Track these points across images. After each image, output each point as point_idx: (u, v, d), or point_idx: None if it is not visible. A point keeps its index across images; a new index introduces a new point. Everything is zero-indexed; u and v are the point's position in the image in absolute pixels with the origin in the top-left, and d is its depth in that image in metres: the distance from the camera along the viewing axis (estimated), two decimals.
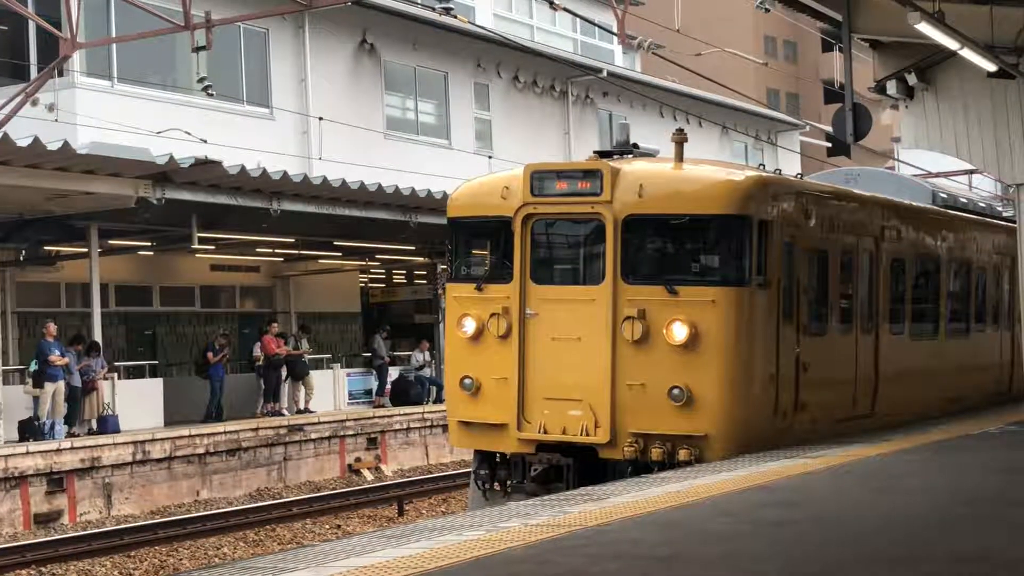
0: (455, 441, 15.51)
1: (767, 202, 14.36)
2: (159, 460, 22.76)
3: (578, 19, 39.79)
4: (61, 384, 22.93)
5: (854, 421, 16.20)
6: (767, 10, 22.80)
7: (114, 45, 27.05)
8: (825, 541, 8.70)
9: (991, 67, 16.64)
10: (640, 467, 13.53)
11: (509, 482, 14.51)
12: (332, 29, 32.52)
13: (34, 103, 23.70)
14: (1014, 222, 21.42)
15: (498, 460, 14.71)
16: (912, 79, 18.51)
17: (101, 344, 24.33)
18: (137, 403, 24.59)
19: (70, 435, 22.77)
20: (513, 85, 38.23)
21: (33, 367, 23.02)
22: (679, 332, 13.55)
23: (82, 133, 24.90)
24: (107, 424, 23.67)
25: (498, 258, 14.77)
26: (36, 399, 22.72)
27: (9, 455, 20.38)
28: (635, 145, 15.66)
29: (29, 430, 22.31)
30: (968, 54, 16.01)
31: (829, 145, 54.49)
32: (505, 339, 14.26)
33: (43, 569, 17.07)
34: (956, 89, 18.59)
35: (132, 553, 18.22)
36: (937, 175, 34.63)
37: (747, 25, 71.32)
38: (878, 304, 17.06)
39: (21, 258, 25.81)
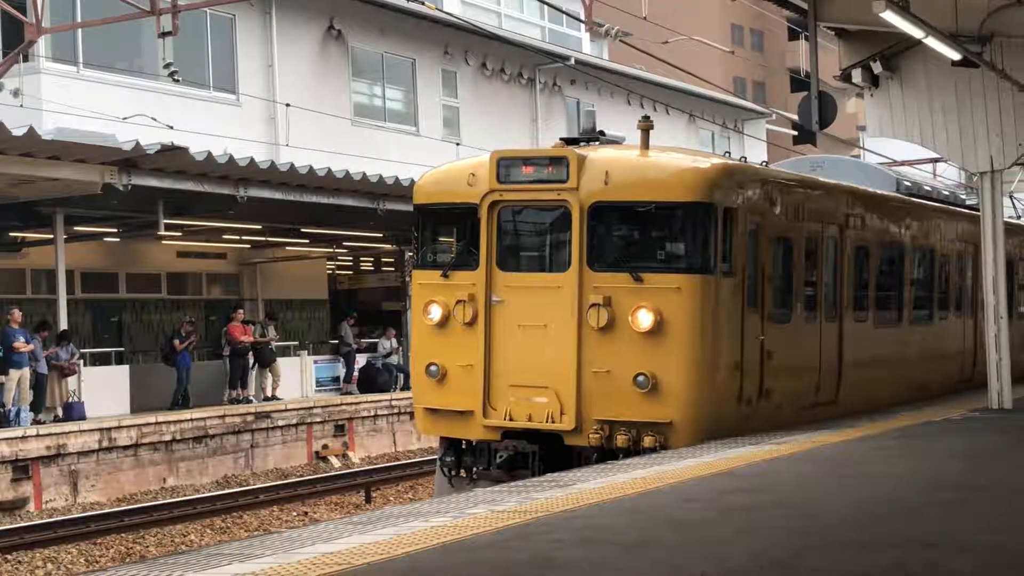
0: (421, 428, 15.49)
1: (732, 190, 14.36)
2: (125, 447, 22.66)
3: (546, 6, 39.75)
4: (27, 371, 22.79)
5: (818, 408, 16.22)
6: None
7: (80, 30, 26.87)
8: (791, 527, 8.74)
9: (955, 56, 16.70)
10: (605, 454, 13.56)
11: (475, 469, 14.54)
12: (299, 15, 32.39)
13: (0, 88, 23.53)
14: (977, 210, 21.50)
15: (464, 447, 14.72)
16: (877, 68, 18.57)
17: (69, 332, 24.22)
18: (103, 390, 24.48)
19: (36, 422, 22.63)
20: (481, 72, 38.18)
21: None
22: (644, 319, 13.56)
23: (47, 118, 24.73)
24: (73, 411, 23.54)
25: (464, 245, 14.75)
26: (1, 386, 22.58)
27: None
28: (601, 132, 15.61)
29: None
30: (933, 43, 16.06)
31: (795, 133, 54.65)
32: (471, 326, 14.25)
33: (8, 556, 16.98)
34: (921, 78, 18.65)
35: (98, 540, 18.15)
36: (902, 163, 34.78)
37: (714, 14, 71.43)
38: (842, 292, 17.11)
39: None
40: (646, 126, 14.71)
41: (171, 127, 24.73)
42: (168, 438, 23.30)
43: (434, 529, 8.68)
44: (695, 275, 13.76)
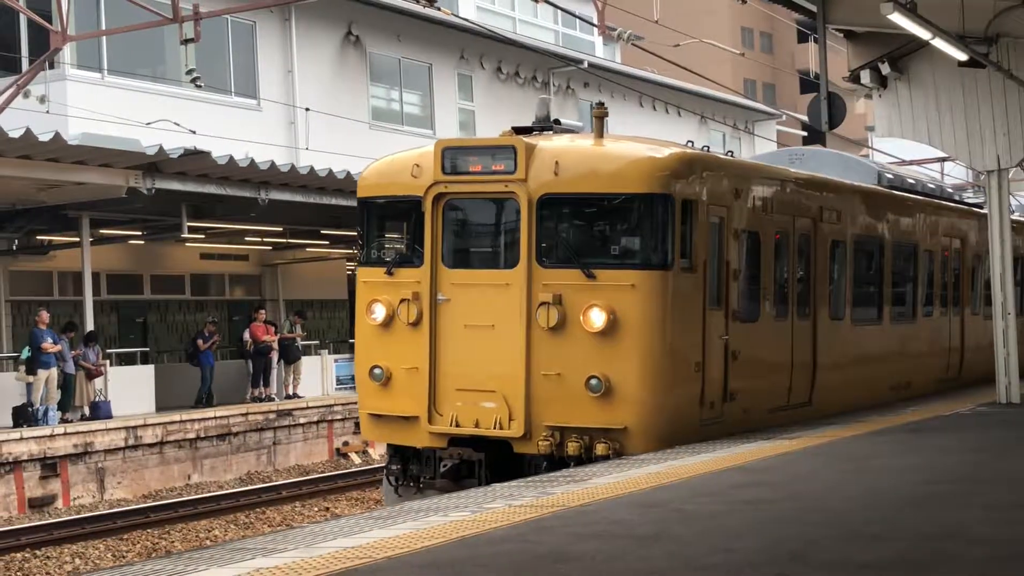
0: (366, 434, 14.46)
1: (691, 180, 13.25)
2: (151, 445, 22.74)
3: (559, 11, 39.73)
4: (54, 371, 22.88)
5: (791, 411, 15.20)
6: (744, 2, 22.85)
7: (104, 38, 26.96)
8: (801, 519, 8.74)
9: (962, 56, 16.68)
10: (556, 463, 12.54)
11: (422, 478, 13.46)
12: (318, 21, 32.43)
13: (26, 95, 23.59)
14: (965, 203, 21.38)
15: (411, 454, 13.64)
16: (885, 69, 18.54)
17: (96, 333, 24.32)
18: (129, 389, 24.55)
19: (63, 421, 22.72)
20: (496, 76, 38.18)
21: (26, 354, 22.97)
22: (597, 318, 12.53)
23: (73, 124, 24.81)
24: (99, 410, 23.63)
25: (409, 240, 13.61)
26: (29, 386, 22.67)
27: (3, 441, 20.34)
28: (556, 121, 14.53)
29: (23, 416, 22.26)
30: (940, 44, 16.04)
31: (805, 134, 54.67)
32: (416, 326, 13.19)
33: (38, 552, 17.05)
34: (928, 78, 18.62)
35: (125, 536, 18.21)
36: (910, 163, 34.72)
37: (724, 17, 71.29)
38: (816, 288, 16.01)
39: (14, 247, 25.71)
40: (600, 113, 13.60)
41: (193, 132, 24.80)
42: (192, 436, 23.37)
43: (453, 523, 8.69)
44: (651, 271, 12.71)
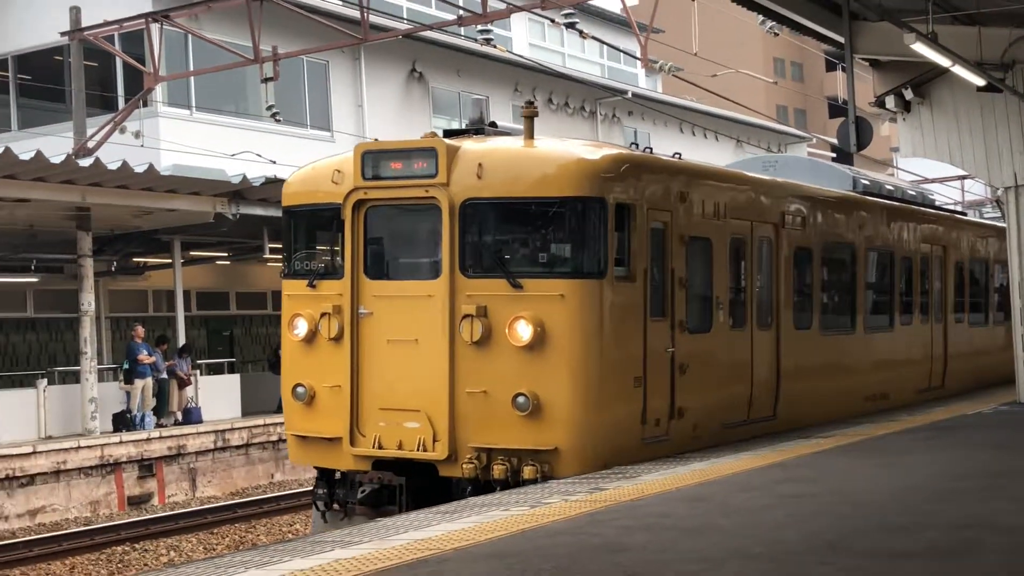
0: (292, 457, 12.45)
1: (628, 183, 11.37)
2: (238, 447, 22.86)
3: (605, 46, 39.69)
4: (149, 380, 23.08)
5: (751, 425, 13.32)
6: (776, 34, 22.71)
7: (192, 78, 27.22)
8: (838, 512, 8.63)
9: (980, 82, 16.53)
10: (481, 487, 10.87)
11: (348, 503, 11.74)
12: (385, 60, 32.58)
13: (122, 130, 23.87)
14: (948, 211, 20.82)
15: (337, 478, 11.90)
16: (909, 94, 18.39)
17: (189, 345, 24.56)
18: (217, 396, 24.72)
19: (158, 426, 22.90)
20: (547, 107, 38.15)
21: (124, 366, 23.22)
22: (523, 331, 10.75)
23: (165, 157, 25.07)
24: (191, 415, 23.80)
25: (331, 251, 11.87)
26: (128, 394, 22.89)
27: (105, 444, 20.53)
28: (493, 124, 12.65)
29: (122, 422, 22.46)
30: (959, 70, 15.90)
31: (834, 155, 54.24)
32: (338, 342, 11.44)
33: (136, 545, 17.18)
34: (949, 102, 18.45)
35: (215, 530, 18.31)
36: (932, 181, 34.41)
37: (758, 48, 70.94)
38: (779, 296, 14.01)
39: (113, 268, 26.00)
40: (529, 112, 11.63)
41: (274, 162, 24.96)
42: (275, 438, 23.46)
43: (513, 517, 8.64)
44: (582, 280, 10.90)
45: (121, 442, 20.95)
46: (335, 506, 11.82)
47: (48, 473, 19.93)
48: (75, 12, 24.45)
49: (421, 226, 11.46)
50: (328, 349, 11.49)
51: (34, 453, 19.93)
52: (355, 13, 22.83)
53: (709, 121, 42.40)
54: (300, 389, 11.73)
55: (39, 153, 19.18)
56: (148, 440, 21.34)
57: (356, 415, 11.42)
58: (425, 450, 11.10)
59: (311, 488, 12.27)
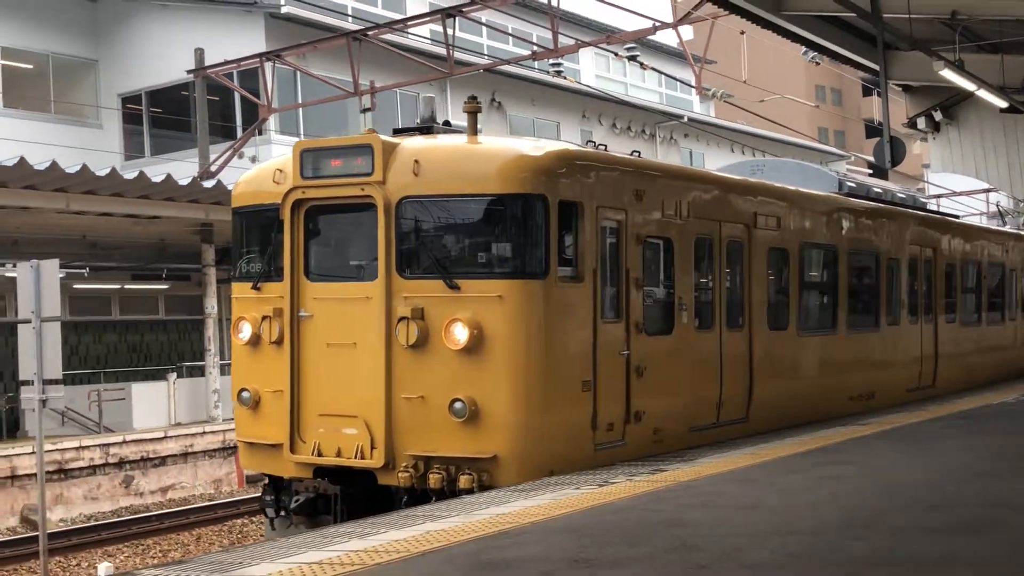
0: (242, 462, 11.09)
1: (574, 180, 9.98)
2: None
3: (663, 76, 39.53)
4: None
5: (721, 428, 11.83)
6: (817, 63, 22.48)
7: (300, 109, 27.58)
8: (875, 491, 8.52)
9: (1003, 104, 16.26)
10: (418, 496, 9.58)
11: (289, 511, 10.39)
12: (468, 90, 32.58)
13: (240, 156, 24.26)
14: (939, 214, 19.46)
15: (283, 485, 10.47)
16: (938, 115, 18.16)
17: None
18: None
19: None
20: (612, 131, 38.10)
21: None
22: (460, 334, 9.44)
23: None
24: None
25: (273, 252, 10.43)
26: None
27: (226, 430, 20.82)
28: (446, 123, 11.20)
29: None
30: (984, 94, 15.65)
31: (871, 171, 53.50)
32: (279, 345, 10.18)
33: (253, 519, 17.41)
34: (975, 123, 18.17)
35: None
36: (960, 194, 33.84)
37: (801, 76, 70.19)
38: (751, 297, 12.44)
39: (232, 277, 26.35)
40: (472, 108, 10.32)
41: None
42: None
43: (584, 495, 8.63)
44: (522, 280, 9.53)
45: None
46: (282, 513, 10.45)
47: (177, 455, 20.28)
48: (199, 53, 24.96)
49: (360, 226, 10.05)
50: (271, 353, 10.24)
51: (165, 438, 20.31)
52: (442, 50, 22.98)
53: (757, 142, 42.03)
54: (245, 394, 10.47)
55: (169, 176, 19.57)
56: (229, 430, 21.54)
57: (296, 421, 10.14)
58: (363, 457, 9.77)
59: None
